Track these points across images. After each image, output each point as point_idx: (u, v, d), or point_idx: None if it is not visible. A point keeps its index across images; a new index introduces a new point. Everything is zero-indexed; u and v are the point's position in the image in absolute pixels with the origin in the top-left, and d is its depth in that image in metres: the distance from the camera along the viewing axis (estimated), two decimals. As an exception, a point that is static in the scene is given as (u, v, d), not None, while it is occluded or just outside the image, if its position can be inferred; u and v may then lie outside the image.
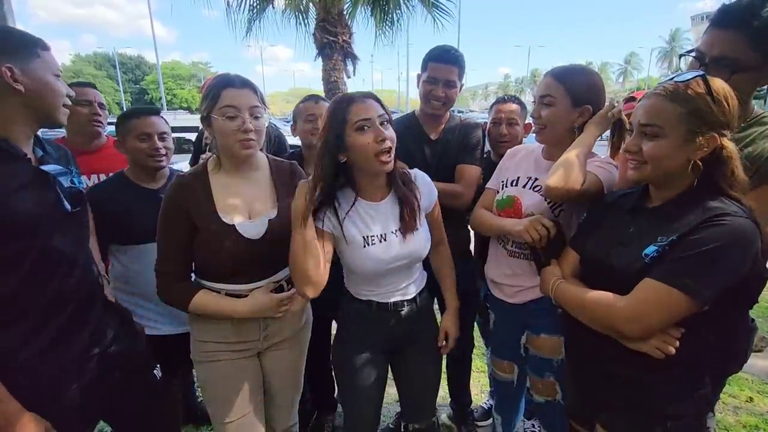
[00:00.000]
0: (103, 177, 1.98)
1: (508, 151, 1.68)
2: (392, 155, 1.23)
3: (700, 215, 0.96)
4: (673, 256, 0.97)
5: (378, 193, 1.34)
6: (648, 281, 0.99)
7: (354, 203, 1.30)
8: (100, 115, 2.07)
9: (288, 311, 1.38)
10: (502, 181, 1.59)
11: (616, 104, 1.40)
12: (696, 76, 0.98)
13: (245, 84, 1.29)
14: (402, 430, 1.93)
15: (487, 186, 1.68)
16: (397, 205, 1.34)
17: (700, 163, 1.00)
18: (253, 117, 1.27)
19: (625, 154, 1.10)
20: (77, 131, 2.04)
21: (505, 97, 2.14)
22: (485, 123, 2.12)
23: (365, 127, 1.19)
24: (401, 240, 1.32)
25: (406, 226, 1.32)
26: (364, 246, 1.29)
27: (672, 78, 1.02)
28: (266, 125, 1.35)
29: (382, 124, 1.21)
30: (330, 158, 1.21)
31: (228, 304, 1.31)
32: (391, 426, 2.23)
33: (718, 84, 0.98)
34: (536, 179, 1.49)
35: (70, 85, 2.05)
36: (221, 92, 1.25)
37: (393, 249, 1.31)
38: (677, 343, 1.00)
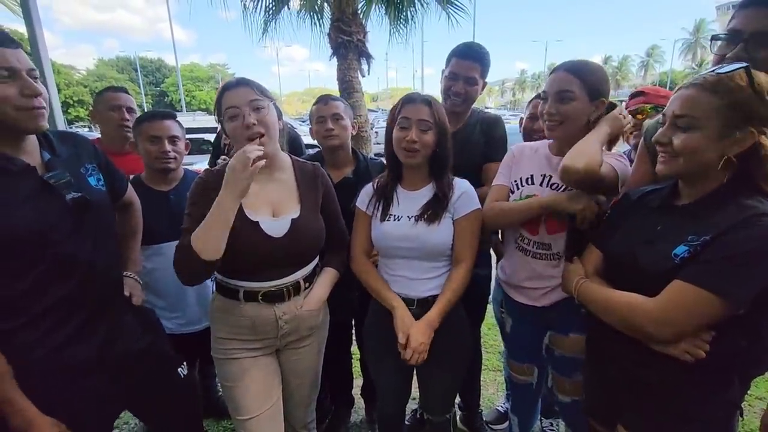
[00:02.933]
0: None
1: (512, 148, 1.63)
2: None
3: (736, 215, 0.92)
4: (707, 257, 0.94)
5: (416, 184, 1.50)
6: (678, 283, 0.95)
7: (394, 189, 1.51)
8: (128, 120, 2.10)
9: (303, 307, 1.41)
10: (515, 181, 1.54)
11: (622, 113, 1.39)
12: (739, 68, 0.94)
13: (240, 83, 1.31)
14: (418, 416, 2.17)
15: (496, 183, 1.59)
16: (428, 197, 1.46)
17: (735, 160, 0.95)
18: (254, 109, 1.27)
19: (655, 146, 1.06)
20: (109, 135, 2.10)
21: (542, 94, 2.16)
22: (520, 118, 2.13)
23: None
24: (413, 224, 1.43)
25: (422, 215, 1.43)
26: (382, 221, 1.48)
27: (713, 69, 0.98)
28: (276, 119, 1.35)
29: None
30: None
31: (214, 207, 1.21)
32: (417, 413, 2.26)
33: (763, 78, 0.93)
34: (551, 176, 1.46)
35: (106, 90, 2.13)
36: (222, 97, 1.29)
37: (402, 229, 1.45)
38: (708, 347, 0.96)
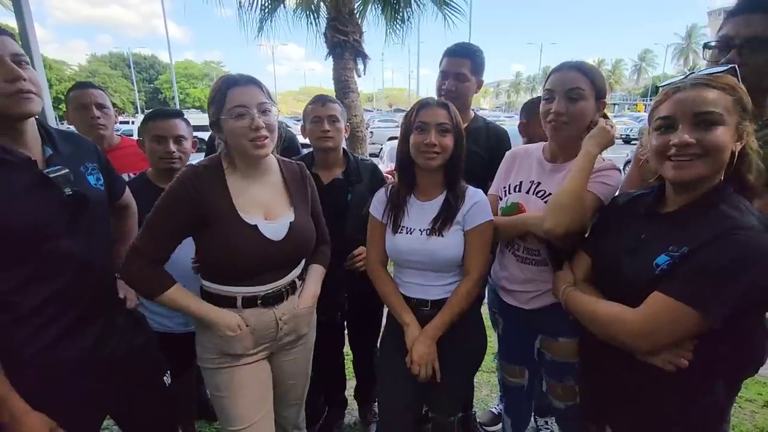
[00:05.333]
0: None
1: (507, 153, 1.63)
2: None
3: (715, 227, 0.92)
4: (686, 270, 0.93)
5: (430, 192, 1.47)
6: (658, 295, 0.96)
7: (407, 199, 1.48)
8: (98, 117, 2.01)
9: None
10: (504, 188, 1.55)
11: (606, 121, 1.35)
12: (728, 69, 0.97)
13: (249, 81, 1.27)
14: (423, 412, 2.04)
15: (489, 193, 1.60)
16: (440, 209, 1.43)
17: (735, 155, 0.96)
18: (262, 113, 1.25)
19: (672, 149, 0.98)
20: (85, 134, 1.98)
21: (545, 93, 2.14)
22: (520, 123, 2.12)
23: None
24: (424, 239, 1.41)
25: (433, 229, 1.41)
26: (394, 233, 1.47)
27: (704, 72, 1.00)
28: (277, 122, 1.34)
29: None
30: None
31: (198, 306, 1.28)
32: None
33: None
34: (539, 183, 1.46)
35: (72, 89, 2.04)
36: (227, 93, 1.24)
37: (412, 243, 1.43)
38: (690, 356, 0.97)
